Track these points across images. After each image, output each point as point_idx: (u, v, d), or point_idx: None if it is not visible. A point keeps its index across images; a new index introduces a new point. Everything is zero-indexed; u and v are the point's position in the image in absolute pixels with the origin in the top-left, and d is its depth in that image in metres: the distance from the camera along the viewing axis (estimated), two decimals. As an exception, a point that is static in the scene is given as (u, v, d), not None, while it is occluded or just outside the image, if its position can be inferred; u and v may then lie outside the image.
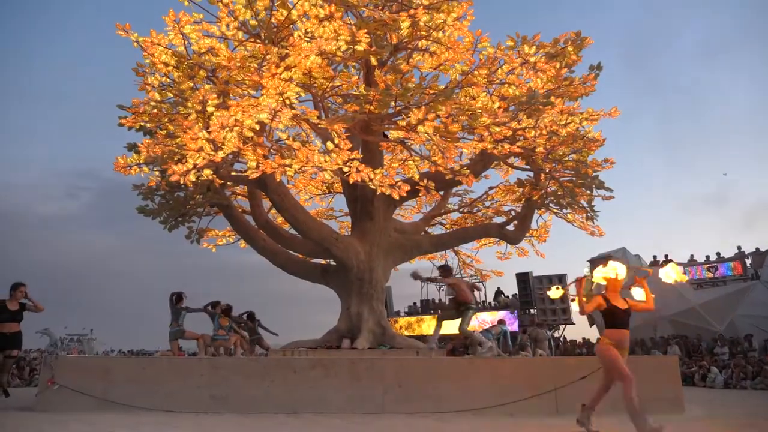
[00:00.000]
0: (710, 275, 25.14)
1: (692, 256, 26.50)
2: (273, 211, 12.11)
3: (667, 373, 8.24)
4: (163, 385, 7.76)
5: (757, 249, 21.51)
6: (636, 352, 19.34)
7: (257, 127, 8.03)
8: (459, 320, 9.26)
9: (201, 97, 8.12)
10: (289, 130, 8.88)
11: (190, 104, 8.42)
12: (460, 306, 9.24)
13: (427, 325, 24.98)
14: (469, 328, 9.23)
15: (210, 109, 8.02)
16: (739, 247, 24.96)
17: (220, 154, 7.83)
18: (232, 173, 9.88)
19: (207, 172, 8.51)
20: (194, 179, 8.10)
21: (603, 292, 5.89)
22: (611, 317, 5.76)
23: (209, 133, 7.67)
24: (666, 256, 26.77)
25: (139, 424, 6.34)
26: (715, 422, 6.82)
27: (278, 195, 10.54)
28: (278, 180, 10.48)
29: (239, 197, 12.87)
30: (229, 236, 13.59)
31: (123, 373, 7.92)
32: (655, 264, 26.87)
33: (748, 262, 21.61)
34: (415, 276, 9.73)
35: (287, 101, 7.72)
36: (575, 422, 5.76)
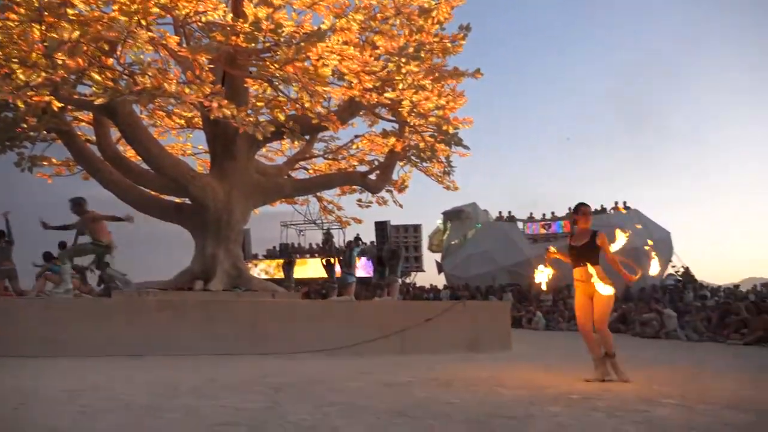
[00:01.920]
0: (544, 231, 28.08)
1: (531, 213, 29.29)
2: (122, 141, 11.10)
3: (500, 317, 9.28)
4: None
5: (584, 210, 24.34)
6: (476, 297, 21.19)
7: (106, 46, 7.21)
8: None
9: (36, 3, 7.03)
10: (144, 55, 8.06)
11: (22, 10, 7.27)
12: (97, 243, 8.57)
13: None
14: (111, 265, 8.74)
15: (48, 19, 6.99)
16: (569, 208, 27.99)
17: (60, 73, 6.94)
18: (75, 96, 8.81)
19: (43, 92, 7.52)
20: (27, 99, 7.12)
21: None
22: (572, 256, 5.55)
23: (46, 47, 6.73)
24: (509, 212, 29.33)
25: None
26: (536, 357, 7.81)
27: (129, 125, 9.66)
28: (129, 109, 9.59)
29: (82, 124, 11.59)
30: (69, 166, 12.26)
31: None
32: (500, 219, 29.33)
33: (576, 221, 24.41)
34: (45, 226, 8.75)
35: (143, 21, 6.99)
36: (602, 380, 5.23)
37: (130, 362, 6.54)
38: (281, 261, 23.35)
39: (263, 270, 29.31)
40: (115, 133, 10.94)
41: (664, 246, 25.74)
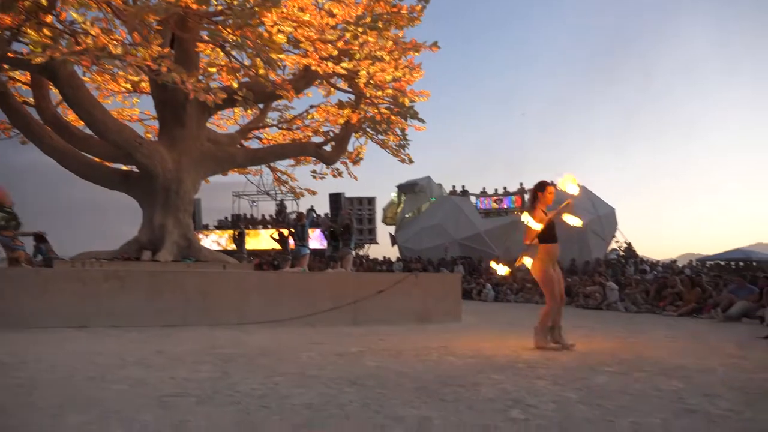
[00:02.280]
0: (496, 206, 28.62)
1: (484, 188, 29.76)
2: (64, 105, 10.57)
3: (451, 289, 9.45)
4: None
5: (536, 186, 24.97)
6: (428, 269, 21.53)
7: (44, 1, 6.80)
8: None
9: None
10: (86, 13, 7.63)
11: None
12: (6, 211, 7.98)
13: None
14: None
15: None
16: (521, 184, 28.62)
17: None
18: (9, 54, 8.28)
19: (-26, 48, 7.05)
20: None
21: (539, 207, 5.70)
22: (550, 231, 5.58)
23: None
24: (463, 186, 29.68)
25: None
26: (485, 328, 8.03)
27: (71, 87, 9.19)
28: (71, 70, 9.11)
29: (19, 84, 10.94)
30: (4, 129, 11.60)
31: None
32: (454, 193, 29.67)
33: (527, 196, 25.02)
34: None
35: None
36: (554, 343, 5.47)
37: (74, 333, 6.35)
38: (232, 232, 22.99)
39: (215, 241, 28.82)
40: (56, 96, 10.40)
41: (609, 222, 26.73)
